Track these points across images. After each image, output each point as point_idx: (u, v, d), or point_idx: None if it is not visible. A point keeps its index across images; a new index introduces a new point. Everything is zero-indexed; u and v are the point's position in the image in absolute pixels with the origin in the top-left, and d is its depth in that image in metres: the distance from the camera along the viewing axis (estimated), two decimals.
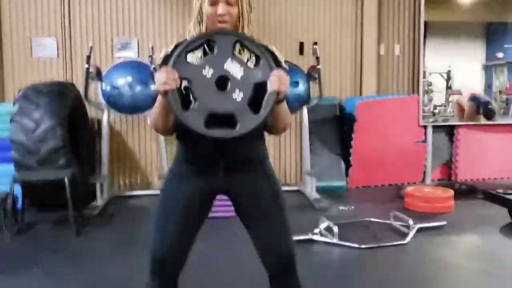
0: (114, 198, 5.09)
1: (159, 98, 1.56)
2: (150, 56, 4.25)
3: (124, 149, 5.69)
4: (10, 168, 4.31)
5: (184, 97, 1.54)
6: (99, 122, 5.38)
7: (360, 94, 6.02)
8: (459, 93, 6.04)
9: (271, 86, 1.50)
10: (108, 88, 4.77)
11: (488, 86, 6.27)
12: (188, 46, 1.52)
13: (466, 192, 5.27)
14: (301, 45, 5.78)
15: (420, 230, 3.85)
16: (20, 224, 4.06)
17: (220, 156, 1.64)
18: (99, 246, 3.68)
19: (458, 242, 3.83)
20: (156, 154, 5.64)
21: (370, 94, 5.96)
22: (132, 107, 4.81)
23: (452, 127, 6.06)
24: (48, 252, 3.53)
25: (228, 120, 1.49)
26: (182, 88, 1.55)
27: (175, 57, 1.51)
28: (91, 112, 5.35)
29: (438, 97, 6.04)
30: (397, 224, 3.98)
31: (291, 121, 1.74)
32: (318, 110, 5.65)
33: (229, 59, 1.51)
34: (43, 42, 5.54)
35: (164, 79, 1.46)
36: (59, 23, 5.55)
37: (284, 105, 1.64)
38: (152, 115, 1.64)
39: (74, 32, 5.58)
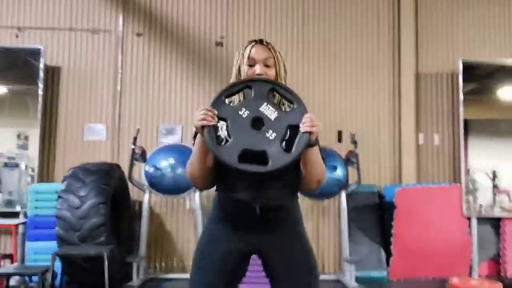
0: (149, 280, 5.04)
1: (197, 141, 1.64)
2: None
3: (162, 231, 5.74)
4: (53, 244, 4.42)
5: (221, 136, 1.63)
6: (140, 204, 5.51)
7: (400, 182, 5.96)
8: (507, 192, 5.83)
9: (303, 127, 1.56)
10: (151, 169, 4.95)
11: None
12: (227, 90, 1.65)
13: None
14: (339, 133, 5.87)
15: None
16: None
17: (254, 200, 1.66)
18: None
19: None
20: (194, 239, 5.65)
21: (409, 182, 5.89)
22: (173, 188, 4.94)
23: (498, 220, 5.80)
24: None
25: (261, 159, 1.55)
26: (220, 128, 1.64)
27: (215, 99, 1.62)
28: (133, 193, 5.51)
29: (484, 197, 5.86)
30: None
31: (325, 177, 1.74)
32: (358, 197, 5.61)
33: (264, 104, 1.60)
34: (93, 128, 5.91)
35: (202, 116, 1.55)
36: (110, 111, 5.95)
37: (316, 151, 1.67)
38: (189, 163, 1.70)
39: (123, 118, 5.94)
